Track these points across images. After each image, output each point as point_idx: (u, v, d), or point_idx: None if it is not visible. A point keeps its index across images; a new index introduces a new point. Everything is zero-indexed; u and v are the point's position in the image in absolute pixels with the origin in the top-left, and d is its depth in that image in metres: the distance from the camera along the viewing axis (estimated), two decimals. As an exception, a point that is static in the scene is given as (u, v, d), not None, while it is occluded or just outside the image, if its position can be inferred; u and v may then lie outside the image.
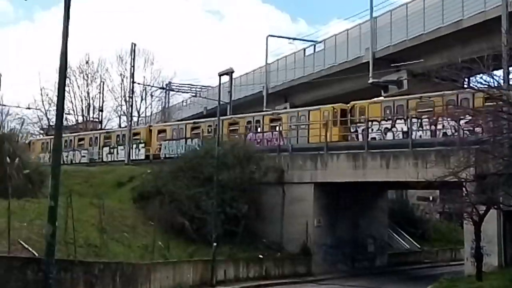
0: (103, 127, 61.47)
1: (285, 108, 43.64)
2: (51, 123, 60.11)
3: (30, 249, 16.45)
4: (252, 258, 28.09)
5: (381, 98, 35.27)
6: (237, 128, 38.34)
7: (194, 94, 62.39)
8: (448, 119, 27.41)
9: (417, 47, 34.56)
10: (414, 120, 29.80)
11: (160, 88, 64.29)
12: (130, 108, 50.40)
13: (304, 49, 46.83)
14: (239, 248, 27.84)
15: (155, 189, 28.90)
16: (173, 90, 66.61)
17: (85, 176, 35.99)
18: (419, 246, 42.40)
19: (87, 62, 64.74)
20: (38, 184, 25.21)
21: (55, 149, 14.17)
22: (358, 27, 40.29)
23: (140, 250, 22.54)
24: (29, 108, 60.52)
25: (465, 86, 22.91)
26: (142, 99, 64.53)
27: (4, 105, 61.33)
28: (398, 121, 30.80)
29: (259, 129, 37.10)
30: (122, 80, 62.41)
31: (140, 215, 27.18)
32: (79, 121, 64.81)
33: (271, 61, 50.28)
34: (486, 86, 20.14)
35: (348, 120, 32.68)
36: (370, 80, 37.54)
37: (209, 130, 39.60)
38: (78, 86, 64.67)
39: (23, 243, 16.74)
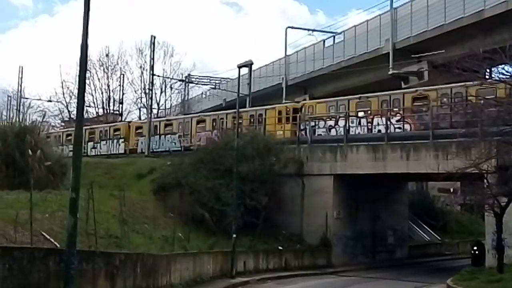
0: (123, 119, 61.84)
1: (304, 99, 43.57)
2: (72, 116, 60.63)
3: (52, 240, 16.59)
4: (272, 249, 28.18)
5: (327, 98, 37.10)
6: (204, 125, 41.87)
7: (213, 86, 62.46)
8: (383, 117, 30.90)
9: (438, 37, 34.22)
10: (353, 118, 32.45)
11: (180, 80, 64.53)
12: (149, 101, 50.64)
13: (324, 41, 46.66)
14: (259, 240, 27.94)
15: (175, 181, 29.04)
16: (192, 82, 66.75)
17: (106, 168, 36.27)
18: (439, 238, 42.22)
19: (107, 55, 65.32)
20: (60, 176, 25.40)
21: (76, 141, 14.25)
22: (377, 18, 40.03)
23: (161, 241, 22.66)
24: (50, 101, 61.25)
25: (487, 76, 22.70)
26: (161, 92, 64.94)
27: (26, 98, 62.15)
28: (340, 119, 33.05)
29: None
30: (142, 73, 62.89)
31: (160, 207, 27.35)
32: (100, 114, 65.27)
33: (290, 53, 50.21)
34: (508, 76, 19.92)
35: (298, 117, 35.20)
36: (390, 72, 37.31)
37: (180, 127, 43.34)
38: (99, 79, 65.28)
39: (45, 234, 16.88)
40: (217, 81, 63.30)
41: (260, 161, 29.61)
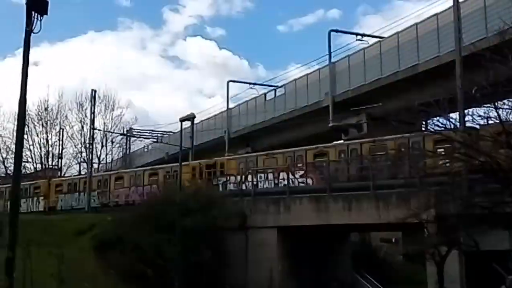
0: (62, 174, 60.55)
1: (247, 152, 43.79)
2: (8, 171, 58.94)
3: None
4: (216, 305, 27.66)
5: (236, 155, 40.02)
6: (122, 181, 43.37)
7: (155, 140, 62.10)
8: (289, 172, 33.11)
9: (375, 90, 35.14)
10: (261, 174, 34.77)
11: (121, 134, 63.90)
12: (90, 155, 49.88)
13: (265, 94, 47.24)
14: (203, 296, 27.42)
15: (116, 236, 28.42)
16: (134, 136, 66.22)
17: (43, 225, 35.10)
18: (382, 289, 42.30)
19: (46, 109, 64.03)
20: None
21: (13, 197, 13.86)
22: (317, 72, 40.92)
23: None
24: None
25: (423, 129, 23.35)
26: (102, 146, 63.99)
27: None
28: (249, 175, 35.03)
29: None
30: (82, 127, 61.88)
31: (101, 264, 26.65)
32: (38, 169, 63.70)
33: (232, 106, 50.62)
34: (443, 128, 20.55)
35: (212, 172, 37.64)
36: (331, 124, 37.95)
37: (99, 184, 44.56)
38: (37, 133, 63.74)
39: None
40: (159, 135, 63.01)
41: (202, 215, 29.31)
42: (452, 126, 20.52)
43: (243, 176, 35.43)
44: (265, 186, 34.10)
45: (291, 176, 33.13)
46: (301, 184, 32.74)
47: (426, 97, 23.42)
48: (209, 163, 38.44)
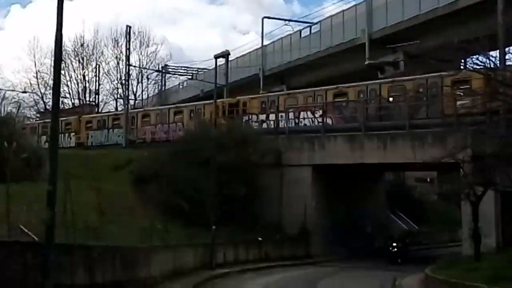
0: (99, 110, 61.33)
1: (282, 90, 43.64)
2: (47, 107, 59.97)
3: (30, 233, 16.46)
4: (251, 240, 28.22)
5: (258, 95, 39.85)
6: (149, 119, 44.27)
7: (190, 77, 62.18)
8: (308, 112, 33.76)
9: (413, 28, 34.43)
10: (282, 114, 34.96)
11: (156, 71, 64.24)
12: (126, 91, 50.29)
13: (300, 31, 46.64)
14: (238, 231, 27.90)
15: (153, 172, 28.87)
16: (169, 73, 66.42)
17: (82, 160, 35.87)
18: (417, 228, 42.60)
19: (81, 45, 64.48)
20: (36, 167, 25.16)
21: (52, 132, 14.14)
22: (353, 8, 40.15)
23: (139, 232, 22.55)
24: (25, 92, 60.38)
25: (461, 67, 22.91)
26: (138, 82, 64.66)
27: (0, 89, 61.34)
28: (271, 114, 35.65)
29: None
30: (118, 63, 62.29)
31: (138, 198, 27.16)
32: (76, 105, 64.64)
33: (267, 43, 50.12)
34: (482, 66, 20.11)
35: (235, 111, 37.95)
36: (367, 62, 37.48)
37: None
38: (74, 69, 64.43)
39: (22, 227, 16.75)
40: (194, 72, 63.02)
41: (237, 152, 29.56)
42: (492, 65, 20.04)
43: (265, 115, 36.11)
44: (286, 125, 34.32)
45: (310, 115, 33.70)
46: (319, 124, 32.86)
47: (465, 34, 22.98)
48: (231, 102, 38.98)
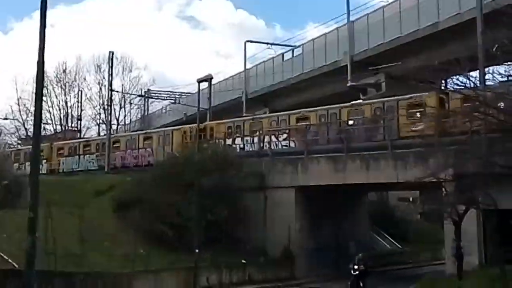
0: (82, 135, 61.05)
1: (265, 113, 43.80)
2: (29, 133, 59.58)
3: (10, 261, 16.27)
4: (235, 263, 28.03)
5: (224, 120, 40.39)
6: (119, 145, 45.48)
7: (173, 101, 62.22)
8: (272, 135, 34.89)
9: (394, 49, 34.75)
10: (247, 138, 36.70)
11: (139, 95, 64.16)
12: (108, 117, 50.14)
13: (283, 54, 46.88)
14: (222, 254, 27.70)
15: (135, 197, 28.69)
16: (152, 98, 66.48)
17: (64, 186, 35.62)
18: (400, 247, 42.59)
19: (64, 71, 64.40)
20: (17, 194, 24.94)
21: (33, 159, 14.03)
22: (335, 31, 40.45)
23: (121, 259, 22.38)
24: (6, 119, 60.01)
25: (442, 87, 23.16)
26: (121, 107, 64.47)
27: (-19, 116, 60.85)
28: (237, 138, 37.36)
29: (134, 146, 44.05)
30: (100, 89, 62.27)
31: (120, 224, 27.00)
32: (58, 131, 64.31)
33: (249, 67, 50.32)
34: (462, 87, 20.35)
35: (202, 136, 38.00)
36: (349, 84, 37.69)
37: (97, 147, 46.52)
38: (56, 95, 64.31)
39: (3, 255, 16.55)
40: (177, 96, 63.06)
41: (221, 175, 29.49)
42: (472, 85, 20.27)
43: (232, 139, 37.62)
44: (250, 149, 35.93)
45: (274, 139, 34.87)
46: (284, 147, 34.16)
47: (446, 55, 23.25)
48: (200, 128, 38.91)
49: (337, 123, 32.77)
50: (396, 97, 30.31)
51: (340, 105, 33.21)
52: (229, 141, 37.46)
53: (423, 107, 27.47)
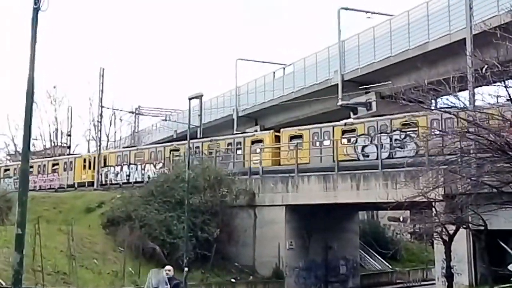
0: (71, 152, 60.84)
1: (256, 130, 43.88)
2: (18, 149, 59.29)
3: (-3, 278, 16.11)
4: (224, 282, 27.88)
5: (119, 149, 49.28)
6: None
7: (164, 118, 62.17)
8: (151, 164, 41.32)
9: (385, 69, 34.99)
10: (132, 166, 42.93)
11: (129, 112, 64.05)
12: (98, 133, 50.04)
13: (274, 72, 47.01)
14: (211, 273, 27.62)
15: (125, 214, 28.54)
16: (142, 114, 66.45)
17: (53, 202, 35.46)
18: (390, 267, 42.55)
19: (54, 87, 64.30)
20: (5, 211, 24.77)
21: (22, 175, 13.93)
22: (326, 49, 40.67)
23: (110, 276, 22.20)
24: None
25: (432, 107, 23.22)
26: (111, 124, 64.27)
27: (-30, 131, 60.62)
28: (124, 167, 43.85)
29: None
30: (91, 105, 62.07)
31: (110, 241, 26.83)
32: (47, 147, 64.03)
33: (241, 84, 50.40)
34: (452, 107, 20.44)
35: (92, 165, 45.76)
36: (340, 102, 37.84)
37: (65, 166, 49.22)
38: (46, 111, 64.14)
39: (-11, 272, 16.39)
40: (167, 113, 63.04)
41: (211, 193, 29.42)
42: (462, 105, 20.38)
43: (120, 167, 43.91)
44: (134, 177, 41.66)
45: (152, 168, 40.22)
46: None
47: (436, 75, 23.35)
48: (95, 156, 46.06)
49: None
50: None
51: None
52: (118, 168, 44.03)
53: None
